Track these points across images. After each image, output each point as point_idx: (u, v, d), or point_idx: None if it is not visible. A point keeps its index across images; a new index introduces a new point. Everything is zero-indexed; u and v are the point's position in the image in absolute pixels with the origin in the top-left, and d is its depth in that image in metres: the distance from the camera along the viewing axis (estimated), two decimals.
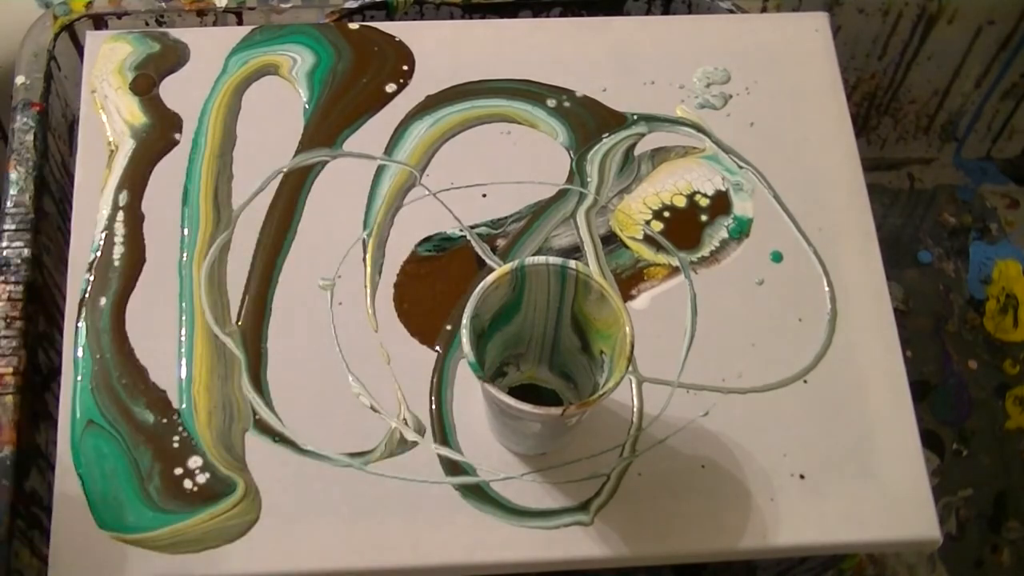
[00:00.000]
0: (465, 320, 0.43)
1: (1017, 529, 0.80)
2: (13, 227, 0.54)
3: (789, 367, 0.52)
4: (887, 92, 0.86)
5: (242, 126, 0.56)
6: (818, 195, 0.56)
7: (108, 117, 0.56)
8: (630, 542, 0.48)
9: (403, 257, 0.54)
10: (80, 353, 0.50)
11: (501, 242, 0.54)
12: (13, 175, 0.56)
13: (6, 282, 0.53)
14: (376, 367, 0.51)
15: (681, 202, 0.56)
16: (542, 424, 0.45)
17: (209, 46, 0.58)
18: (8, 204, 0.55)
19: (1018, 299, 0.87)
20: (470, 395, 0.50)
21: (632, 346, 0.43)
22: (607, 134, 0.57)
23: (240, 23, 0.62)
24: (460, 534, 0.48)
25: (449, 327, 0.52)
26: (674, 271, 0.54)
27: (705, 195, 0.56)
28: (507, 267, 0.44)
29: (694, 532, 0.48)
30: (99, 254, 0.53)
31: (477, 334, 0.44)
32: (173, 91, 0.57)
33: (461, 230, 0.54)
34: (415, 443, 0.49)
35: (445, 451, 0.49)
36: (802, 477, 0.50)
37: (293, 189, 0.55)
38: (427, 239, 0.54)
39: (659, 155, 0.57)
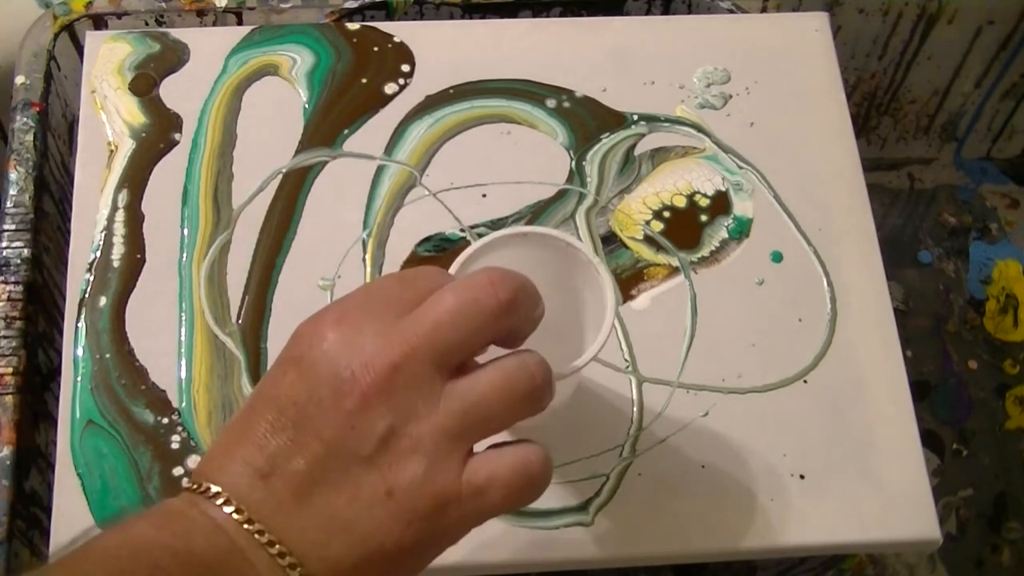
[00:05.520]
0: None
1: (1017, 529, 0.80)
2: (13, 227, 0.54)
3: (789, 367, 0.52)
4: (887, 92, 0.86)
5: (242, 126, 0.56)
6: (818, 195, 0.56)
7: (108, 117, 0.56)
8: (630, 542, 0.48)
9: (403, 257, 0.54)
10: (80, 353, 0.50)
11: None
12: (13, 175, 0.56)
13: (6, 282, 0.53)
14: None
15: (681, 202, 0.56)
16: None
17: (209, 46, 0.58)
18: (8, 204, 0.55)
19: (1018, 299, 0.87)
20: None
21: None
22: (607, 134, 0.57)
23: (240, 23, 0.62)
24: None
25: None
26: (674, 271, 0.54)
27: (705, 195, 0.56)
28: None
29: (694, 532, 0.48)
30: (99, 254, 0.53)
31: None
32: (173, 91, 0.57)
33: (461, 230, 0.54)
34: None
35: None
36: (802, 477, 0.50)
37: (293, 189, 0.55)
38: (427, 239, 0.54)
39: (659, 155, 0.57)
